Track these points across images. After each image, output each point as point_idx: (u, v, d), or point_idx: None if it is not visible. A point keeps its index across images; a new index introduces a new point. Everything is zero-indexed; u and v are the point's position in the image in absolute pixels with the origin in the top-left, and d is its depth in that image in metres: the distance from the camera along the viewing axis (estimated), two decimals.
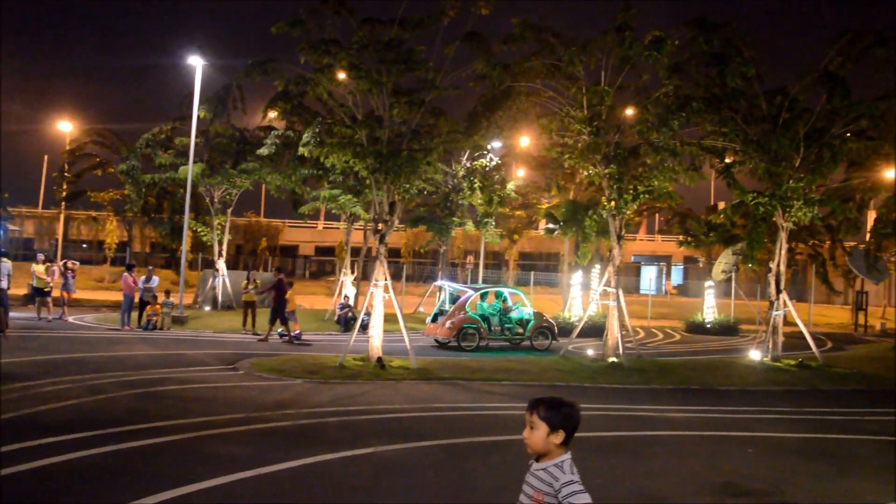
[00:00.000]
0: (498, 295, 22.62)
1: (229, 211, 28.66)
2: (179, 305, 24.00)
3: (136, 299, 21.44)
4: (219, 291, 28.28)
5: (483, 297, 22.38)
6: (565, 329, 23.53)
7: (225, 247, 28.81)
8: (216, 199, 28.11)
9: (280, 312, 19.93)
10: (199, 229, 29.24)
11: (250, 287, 22.41)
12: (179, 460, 7.73)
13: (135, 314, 21.58)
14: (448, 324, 20.28)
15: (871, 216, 30.13)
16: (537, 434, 3.17)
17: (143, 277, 21.63)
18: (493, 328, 21.06)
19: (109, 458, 7.61)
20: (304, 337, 20.85)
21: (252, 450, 8.23)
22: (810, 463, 8.86)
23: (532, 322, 21.35)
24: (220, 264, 28.22)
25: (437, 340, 21.18)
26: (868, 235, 27.13)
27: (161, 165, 28.39)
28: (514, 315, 21.64)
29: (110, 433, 8.55)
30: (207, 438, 8.66)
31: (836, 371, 18.08)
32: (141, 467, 7.40)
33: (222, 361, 15.45)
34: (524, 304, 22.43)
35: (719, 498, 7.22)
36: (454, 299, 21.93)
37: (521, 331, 21.26)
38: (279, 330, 20.39)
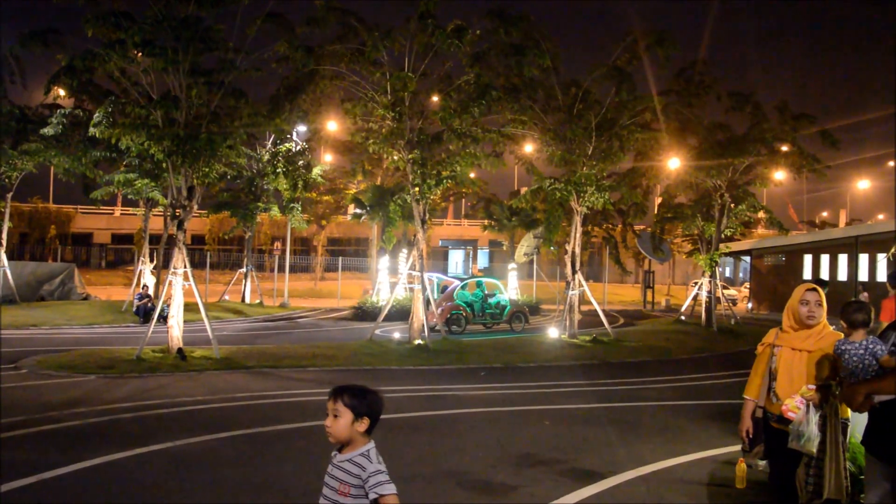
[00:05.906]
0: (478, 284, 25.30)
1: (9, 196, 26.24)
2: None
3: None
4: None
5: (465, 286, 24.59)
6: (372, 314, 24.38)
7: (5, 235, 26.42)
8: None
9: None
10: None
11: None
12: None
13: None
14: (439, 310, 21.88)
15: (657, 202, 32.62)
16: (341, 422, 3.11)
17: None
18: (476, 313, 23.46)
19: None
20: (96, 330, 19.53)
21: (33, 455, 7.61)
22: (600, 430, 9.45)
23: (509, 308, 24.06)
24: (0, 255, 25.88)
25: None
26: (654, 219, 29.35)
27: None
28: (493, 301, 23.97)
29: None
30: None
31: (625, 345, 19.48)
32: None
33: (3, 360, 14.19)
34: (501, 293, 25.17)
35: (517, 469, 7.53)
36: (442, 289, 24.67)
37: (499, 315, 23.74)
38: None
